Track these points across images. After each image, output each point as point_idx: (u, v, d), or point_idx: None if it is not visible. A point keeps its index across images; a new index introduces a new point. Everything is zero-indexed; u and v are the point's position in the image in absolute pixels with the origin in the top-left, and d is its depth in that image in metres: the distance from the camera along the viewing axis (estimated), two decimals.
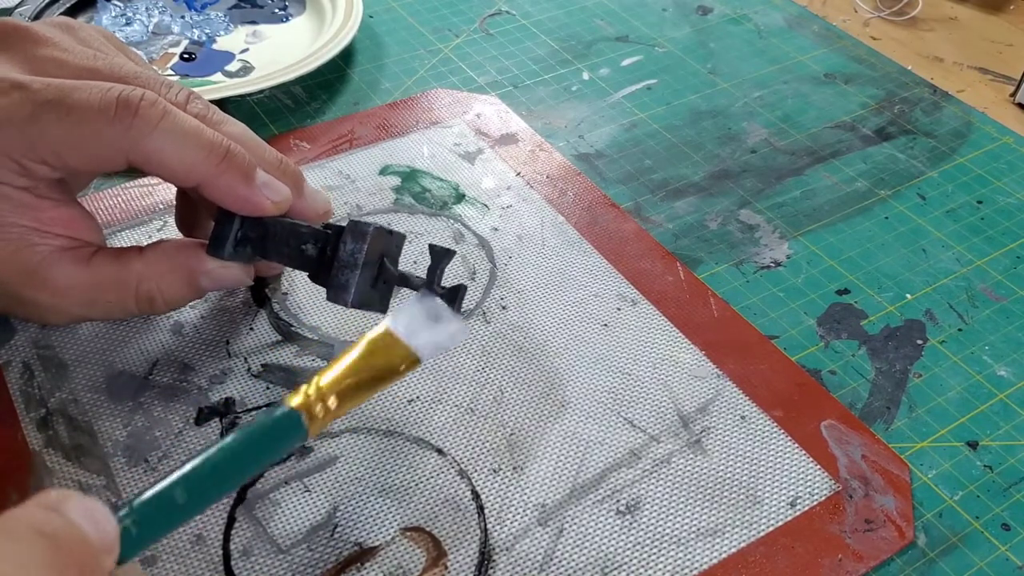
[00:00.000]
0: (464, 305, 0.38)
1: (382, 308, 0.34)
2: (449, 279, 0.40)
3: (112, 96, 0.30)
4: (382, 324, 0.28)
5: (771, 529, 0.31)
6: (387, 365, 0.28)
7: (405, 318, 0.28)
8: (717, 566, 0.30)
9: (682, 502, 0.32)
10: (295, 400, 0.26)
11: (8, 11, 0.51)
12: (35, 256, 0.31)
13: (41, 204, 0.31)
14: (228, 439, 0.24)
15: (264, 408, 0.26)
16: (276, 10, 0.56)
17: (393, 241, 0.34)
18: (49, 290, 0.32)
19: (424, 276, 0.33)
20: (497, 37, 0.56)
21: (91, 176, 0.35)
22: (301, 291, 0.38)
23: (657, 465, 0.33)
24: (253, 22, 0.55)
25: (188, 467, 0.23)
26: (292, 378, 0.35)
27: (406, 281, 0.33)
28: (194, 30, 0.54)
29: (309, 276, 0.33)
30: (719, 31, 0.58)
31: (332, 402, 0.26)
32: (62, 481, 0.32)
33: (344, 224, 0.32)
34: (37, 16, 0.51)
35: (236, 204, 0.32)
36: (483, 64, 0.53)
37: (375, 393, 0.28)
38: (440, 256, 0.33)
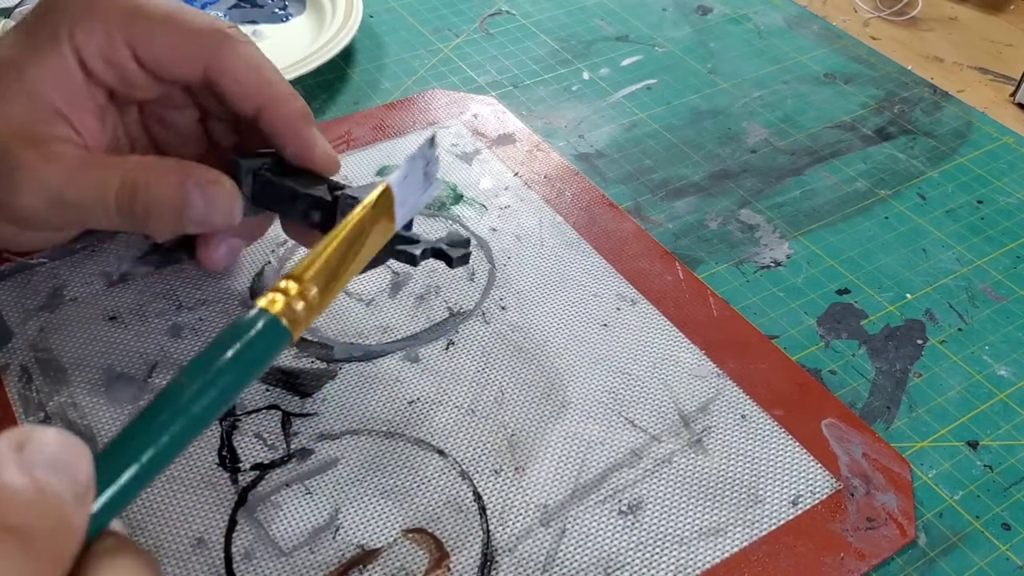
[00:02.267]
0: (464, 306, 0.38)
1: (381, 262, 0.32)
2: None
3: (212, 18, 0.34)
4: (382, 183, 0.27)
5: (773, 528, 0.31)
6: (372, 241, 0.26)
7: (405, 180, 0.27)
8: (720, 565, 0.30)
9: (684, 501, 0.32)
10: (277, 305, 0.23)
11: (8, 11, 0.51)
12: (49, 129, 0.32)
13: (89, 106, 0.33)
14: (206, 359, 0.21)
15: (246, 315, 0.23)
16: (276, 10, 0.56)
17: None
18: (42, 152, 0.31)
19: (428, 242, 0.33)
20: (497, 37, 0.56)
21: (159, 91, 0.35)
22: None
23: (658, 465, 0.33)
24: (253, 22, 0.55)
25: (166, 398, 0.21)
26: (291, 379, 0.35)
27: (411, 259, 0.32)
28: None
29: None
30: (719, 31, 0.58)
31: (313, 295, 0.23)
32: None
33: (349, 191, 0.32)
34: None
35: (291, 133, 0.33)
36: (483, 64, 0.53)
37: (352, 278, 0.26)
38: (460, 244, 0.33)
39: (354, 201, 0.31)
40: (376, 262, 0.30)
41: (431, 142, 0.29)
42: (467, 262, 0.33)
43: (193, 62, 0.33)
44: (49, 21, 0.33)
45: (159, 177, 0.32)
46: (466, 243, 0.33)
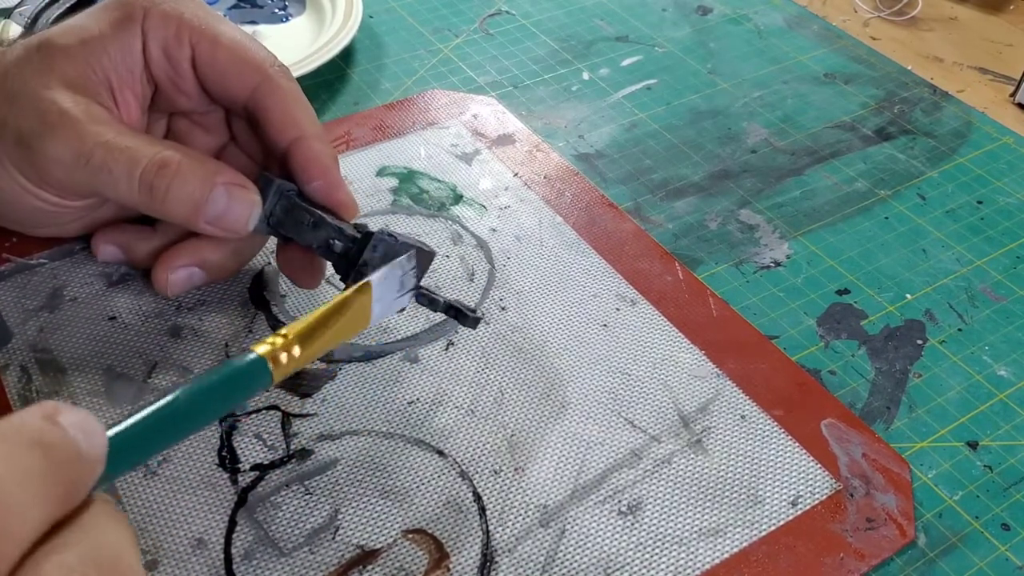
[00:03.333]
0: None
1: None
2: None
3: (269, 53, 0.36)
4: (366, 278, 0.30)
5: (773, 528, 0.31)
6: (348, 323, 0.29)
7: (384, 282, 0.30)
8: (719, 566, 0.30)
9: (683, 502, 0.32)
10: (262, 348, 0.27)
11: (8, 11, 0.51)
12: (95, 96, 0.33)
13: (137, 91, 0.34)
14: (198, 381, 0.25)
15: (233, 357, 0.27)
16: (276, 10, 0.56)
17: (420, 256, 0.34)
18: (85, 109, 0.32)
19: (443, 297, 0.34)
20: (497, 37, 0.56)
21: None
22: (299, 293, 0.38)
23: (658, 465, 0.33)
24: (253, 22, 0.55)
25: (160, 404, 0.24)
26: (291, 380, 0.35)
27: (432, 303, 0.34)
28: None
29: (334, 268, 0.34)
30: (719, 31, 0.58)
31: (296, 351, 0.27)
32: None
33: (374, 229, 0.33)
34: (36, 17, 0.51)
35: (319, 169, 0.34)
36: (483, 64, 0.53)
37: (330, 347, 0.29)
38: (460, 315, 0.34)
39: (392, 239, 0.32)
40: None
41: (411, 257, 0.32)
42: (476, 325, 0.34)
43: (241, 88, 0.35)
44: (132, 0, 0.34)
45: (191, 164, 0.32)
46: (477, 318, 0.34)
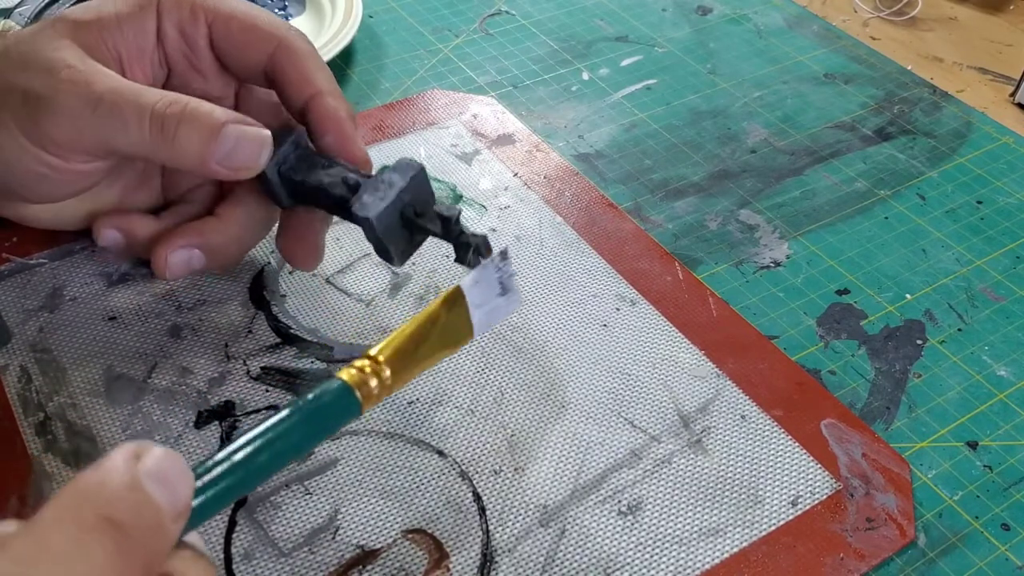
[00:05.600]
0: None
1: (402, 251, 0.33)
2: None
3: (279, 19, 0.37)
4: (455, 284, 0.28)
5: (773, 528, 0.31)
6: (446, 336, 0.27)
7: (477, 285, 0.28)
8: (719, 566, 0.30)
9: (683, 502, 0.32)
10: (347, 374, 0.25)
11: (8, 11, 0.51)
12: (104, 64, 0.33)
13: (147, 69, 0.35)
14: (282, 416, 0.24)
15: (320, 380, 0.26)
16: (276, 10, 0.56)
17: (432, 200, 0.34)
18: (91, 65, 0.32)
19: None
20: (497, 37, 0.56)
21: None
22: (299, 293, 0.38)
23: (658, 465, 0.33)
24: None
25: (243, 452, 0.23)
26: (291, 380, 0.35)
27: (443, 224, 0.32)
28: None
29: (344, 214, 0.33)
30: (719, 31, 0.58)
31: (387, 374, 0.26)
32: (62, 486, 0.31)
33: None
34: (37, 16, 0.51)
35: (335, 123, 0.35)
36: (483, 64, 0.53)
37: (427, 367, 0.28)
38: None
39: (390, 175, 0.32)
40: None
41: (504, 255, 0.30)
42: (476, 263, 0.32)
43: (259, 56, 0.36)
44: None
45: (200, 105, 0.32)
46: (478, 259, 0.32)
